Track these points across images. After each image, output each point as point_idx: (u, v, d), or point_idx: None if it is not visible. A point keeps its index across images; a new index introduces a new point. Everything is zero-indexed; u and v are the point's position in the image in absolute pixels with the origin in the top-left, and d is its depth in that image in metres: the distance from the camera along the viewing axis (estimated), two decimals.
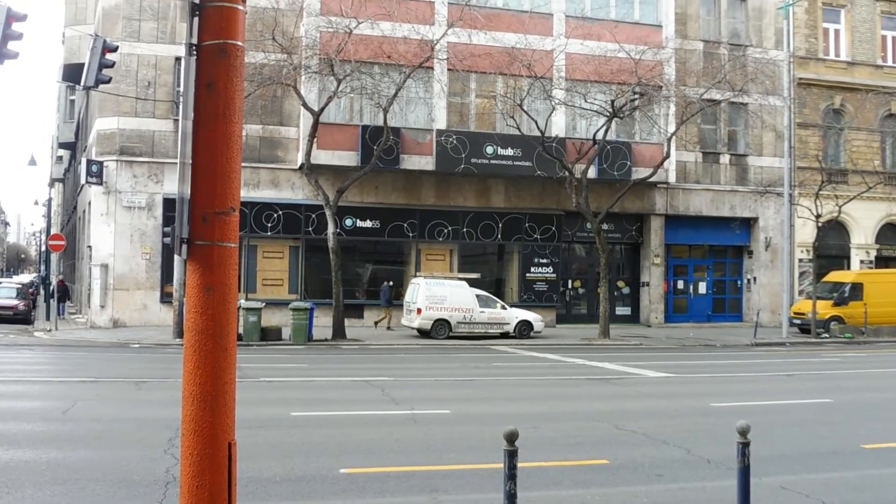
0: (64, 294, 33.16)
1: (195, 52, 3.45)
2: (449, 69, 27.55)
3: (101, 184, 26.96)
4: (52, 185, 63.96)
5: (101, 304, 27.01)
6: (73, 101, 43.64)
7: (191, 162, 3.46)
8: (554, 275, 30.85)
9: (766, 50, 32.35)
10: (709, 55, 32.28)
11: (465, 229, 29.97)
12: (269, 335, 23.40)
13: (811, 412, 12.95)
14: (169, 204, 26.27)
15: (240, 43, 3.50)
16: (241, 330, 22.39)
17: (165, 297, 26.62)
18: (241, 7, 3.50)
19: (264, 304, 24.53)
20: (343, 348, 22.79)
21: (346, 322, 25.11)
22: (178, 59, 26.57)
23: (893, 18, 35.67)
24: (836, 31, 34.89)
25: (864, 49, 35.07)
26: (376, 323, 28.56)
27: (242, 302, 23.38)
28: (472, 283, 26.67)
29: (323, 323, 25.88)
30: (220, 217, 3.44)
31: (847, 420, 12.25)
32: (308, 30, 25.66)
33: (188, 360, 3.44)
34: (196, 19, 3.45)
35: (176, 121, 26.15)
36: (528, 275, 30.66)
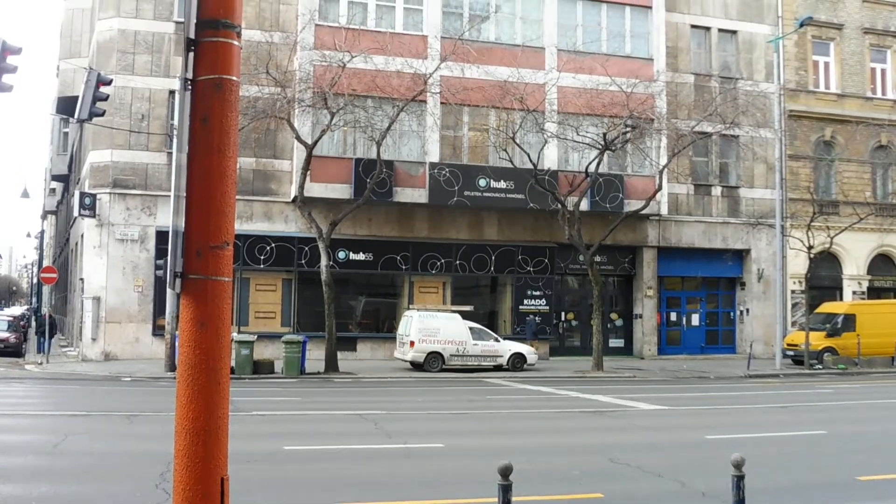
0: (51, 327, 32.89)
1: (190, 87, 3.48)
2: (442, 102, 27.74)
3: (93, 216, 26.95)
4: (44, 217, 63.87)
5: (92, 337, 26.87)
6: (66, 134, 43.74)
7: (185, 195, 3.47)
8: (547, 307, 30.83)
9: (757, 82, 32.67)
10: (700, 88, 32.59)
11: (458, 262, 29.99)
12: (261, 368, 23.26)
13: (806, 444, 12.91)
14: (162, 237, 26.25)
15: (235, 78, 3.53)
16: (233, 363, 22.25)
17: (158, 331, 26.49)
18: (235, 42, 3.54)
19: (257, 336, 24.43)
20: (336, 381, 22.67)
21: (339, 355, 25.00)
22: (172, 92, 26.69)
23: (882, 51, 36.14)
24: (826, 64, 35.30)
25: (854, 81, 35.47)
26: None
27: (235, 335, 23.28)
28: (466, 315, 26.63)
29: (315, 356, 25.77)
30: (215, 251, 3.44)
31: (842, 452, 12.21)
32: (302, 63, 25.85)
33: (181, 394, 3.43)
34: (191, 54, 3.48)
35: (169, 154, 26.21)
36: (521, 307, 30.64)
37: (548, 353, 30.27)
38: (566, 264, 31.32)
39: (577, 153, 28.74)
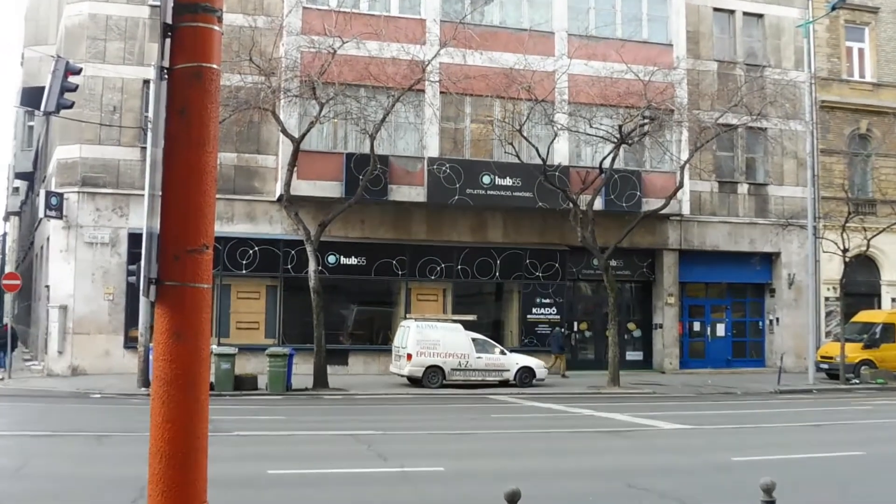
0: (13, 339, 32.82)
1: (166, 76, 3.47)
2: (441, 92, 27.74)
3: (60, 217, 26.95)
4: (6, 218, 63.90)
5: (58, 350, 26.85)
6: (31, 128, 43.79)
7: (161, 194, 3.47)
8: (558, 316, 30.81)
9: (786, 71, 32.70)
10: (724, 76, 32.61)
11: (459, 266, 29.99)
12: (243, 384, 23.24)
13: (842, 466, 12.89)
14: (135, 240, 26.24)
15: (215, 66, 3.53)
16: (212, 378, 22.25)
17: (130, 343, 26.48)
18: (216, 27, 3.54)
19: (238, 349, 24.40)
20: (325, 398, 22.65)
21: (329, 369, 24.99)
22: (146, 82, 26.70)
23: None
24: (861, 51, 35.33)
25: (891, 69, 35.50)
26: (550, 369, 28.82)
27: (214, 347, 23.26)
28: (468, 325, 26.60)
29: (303, 370, 25.76)
30: (193, 255, 3.44)
31: (881, 475, 12.19)
32: (288, 50, 25.87)
33: (156, 413, 3.42)
34: (168, 40, 3.48)
35: (144, 149, 26.21)
36: (529, 316, 30.63)
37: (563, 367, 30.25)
38: (579, 269, 31.30)
39: (591, 147, 28.73)
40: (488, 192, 28.35)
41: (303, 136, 24.48)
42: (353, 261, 29.09)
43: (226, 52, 24.16)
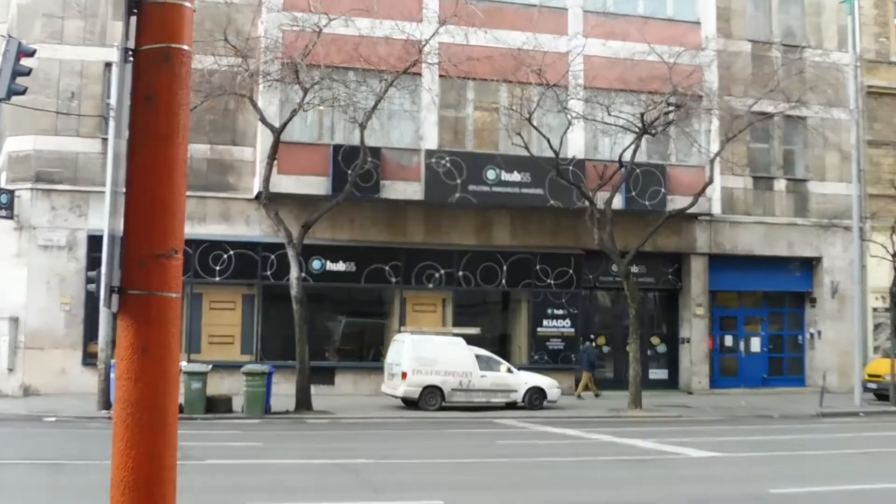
0: None
1: (131, 58, 3.47)
2: (441, 76, 27.75)
3: (11, 217, 26.94)
4: None
5: (8, 367, 26.82)
6: None
7: (124, 192, 3.47)
8: (572, 329, 30.81)
9: (828, 52, 32.71)
10: (758, 58, 32.63)
11: (461, 273, 29.98)
12: (216, 406, 23.22)
13: (893, 500, 12.86)
14: (95, 243, 26.21)
15: (186, 47, 3.53)
16: (182, 399, 22.24)
17: (89, 359, 26.45)
18: (187, 4, 3.54)
19: (211, 366, 24.35)
20: (309, 422, 22.63)
21: (314, 389, 24.96)
22: (109, 65, 26.74)
23: None
24: None
25: None
26: (579, 395, 29.19)
27: (184, 364, 23.24)
28: (471, 339, 26.60)
29: (284, 391, 25.72)
30: (160, 260, 3.44)
31: None
32: (268, 28, 25.91)
33: (118, 439, 3.42)
34: (133, 18, 3.48)
35: (105, 140, 26.21)
36: (539, 329, 30.62)
37: (573, 386, 30.21)
38: (596, 276, 31.29)
39: (609, 138, 28.73)
40: (493, 188, 28.36)
41: (284, 126, 24.48)
42: (340, 266, 29.08)
43: (198, 32, 24.09)
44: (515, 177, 28.47)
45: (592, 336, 30.97)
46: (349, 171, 25.49)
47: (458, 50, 26.89)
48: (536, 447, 18.57)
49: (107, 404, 22.11)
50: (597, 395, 29.20)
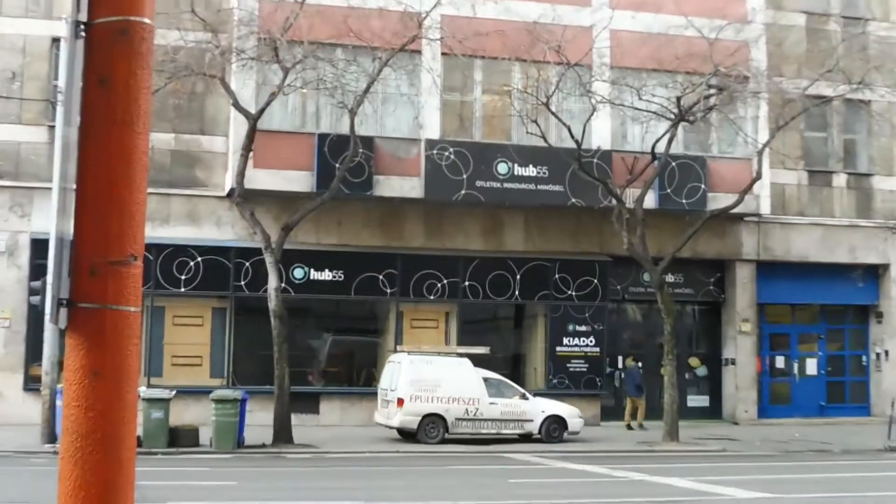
0: None
1: (83, 33, 3.47)
2: (444, 54, 27.75)
3: None
4: None
5: None
6: None
7: (74, 188, 3.46)
8: (597, 349, 30.77)
9: (895, 25, 32.68)
10: (814, 33, 32.59)
11: (466, 283, 29.96)
12: (181, 438, 23.19)
13: None
14: (40, 247, 26.21)
15: (147, 20, 3.52)
16: (140, 431, 22.22)
17: (31, 384, 26.44)
18: None
19: (175, 392, 24.33)
20: (289, 458, 22.61)
21: (295, 419, 24.94)
22: (56, 40, 26.74)
23: None
24: None
25: None
26: (629, 425, 29.44)
27: (143, 390, 23.23)
28: (479, 360, 26.55)
29: (260, 420, 25.72)
30: (116, 268, 3.43)
31: None
32: None
33: (65, 477, 3.41)
34: None
35: (52, 128, 26.24)
36: (559, 349, 30.58)
37: (598, 415, 30.20)
38: (624, 286, 31.27)
39: (640, 126, 28.71)
40: (505, 184, 28.34)
41: (261, 112, 24.47)
42: (326, 275, 29.06)
43: (161, 2, 24.20)
44: (531, 171, 28.45)
45: (631, 353, 30.95)
46: (337, 165, 25.49)
47: (463, 23, 26.95)
48: (555, 487, 18.52)
49: (52, 437, 22.08)
50: (640, 426, 29.20)
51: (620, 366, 31.80)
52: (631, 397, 29.72)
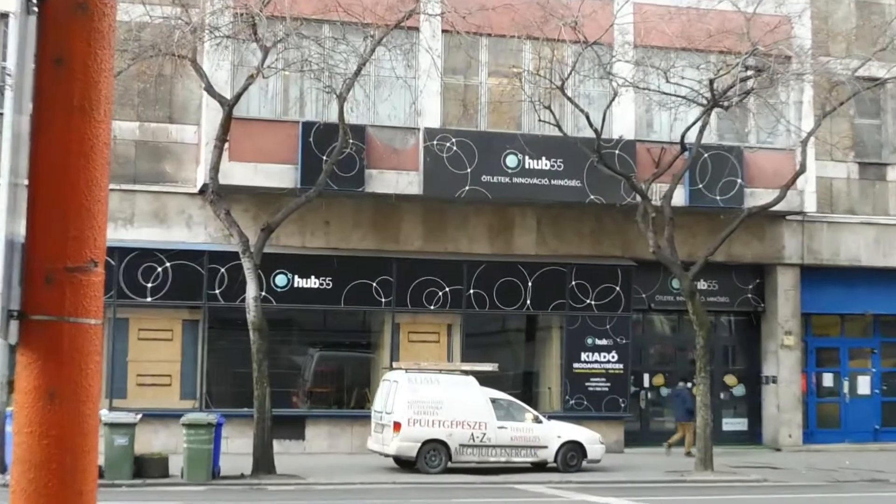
0: None
1: (36, 8, 3.47)
2: (444, 31, 27.78)
3: None
4: None
5: None
6: None
7: (27, 184, 3.46)
8: (620, 365, 30.77)
9: None
10: (865, 6, 32.60)
11: (471, 291, 29.96)
12: (148, 468, 23.19)
13: None
14: None
15: None
16: (102, 460, 22.24)
17: None
18: None
19: (141, 416, 24.36)
20: (270, 490, 22.67)
21: (277, 446, 24.96)
22: (4, 16, 26.78)
23: None
24: None
25: None
26: (669, 445, 29.56)
27: (105, 413, 23.25)
28: (485, 379, 26.56)
29: (238, 447, 25.74)
30: (75, 275, 3.43)
31: None
32: None
33: None
34: None
35: (1, 116, 26.27)
36: (576, 366, 30.58)
37: (622, 441, 30.19)
38: (651, 294, 31.28)
39: (667, 113, 28.70)
40: (514, 179, 28.35)
41: (238, 97, 24.48)
42: (312, 282, 29.07)
43: None
44: (543, 164, 28.46)
45: (683, 379, 31.02)
46: (324, 158, 25.51)
47: None
48: None
49: (1, 467, 22.11)
50: (688, 454, 29.21)
51: (646, 385, 31.84)
52: (681, 422, 29.82)
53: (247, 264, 24.52)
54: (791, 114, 29.37)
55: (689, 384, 30.25)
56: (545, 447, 25.83)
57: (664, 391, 32.26)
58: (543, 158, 28.44)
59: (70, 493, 3.41)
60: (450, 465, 25.08)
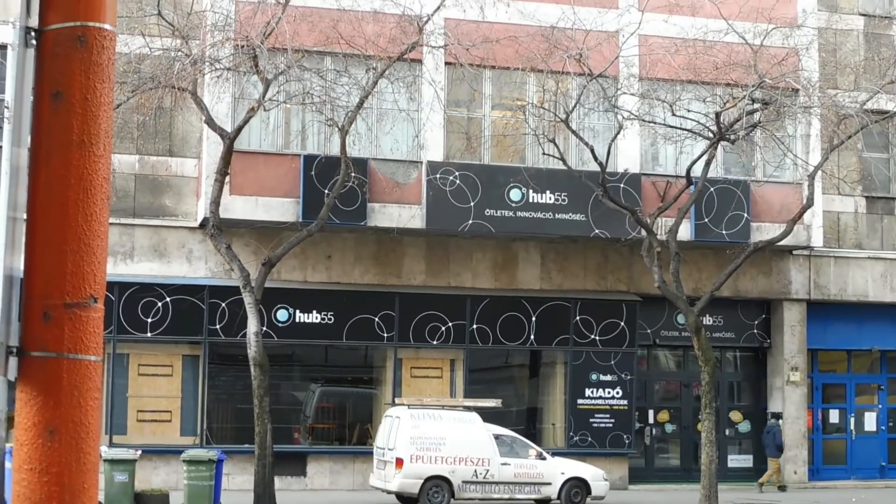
0: None
1: (35, 41, 3.47)
2: (448, 63, 27.83)
3: None
4: None
5: None
6: None
7: (25, 218, 3.45)
8: (624, 401, 30.69)
9: None
10: (875, 38, 32.67)
11: (474, 326, 29.92)
12: None
13: None
14: None
15: (108, 26, 3.53)
16: (102, 497, 22.18)
17: None
18: None
19: (141, 452, 24.32)
20: None
21: (279, 482, 24.88)
22: (2, 48, 26.84)
23: None
24: None
25: None
26: (762, 484, 29.66)
27: (105, 450, 23.23)
28: (489, 415, 26.50)
29: (239, 484, 25.66)
30: (74, 311, 3.42)
31: None
32: (216, 0, 26.03)
33: None
34: None
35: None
36: (581, 402, 30.50)
37: (626, 477, 30.09)
38: (656, 330, 31.23)
39: (674, 146, 28.77)
40: (518, 213, 28.35)
41: (239, 130, 24.48)
42: (314, 317, 29.04)
43: (123, 4, 24.36)
44: (548, 198, 28.46)
45: (773, 415, 31.17)
46: (326, 191, 25.51)
47: (470, 28, 27.02)
48: None
49: None
50: (780, 488, 29.69)
51: (651, 421, 31.72)
52: (772, 458, 29.90)
53: (248, 299, 24.49)
54: (798, 147, 29.37)
55: (777, 420, 30.48)
56: (549, 484, 25.74)
57: (669, 427, 32.18)
58: (547, 192, 28.45)
59: None
60: (452, 501, 24.99)
